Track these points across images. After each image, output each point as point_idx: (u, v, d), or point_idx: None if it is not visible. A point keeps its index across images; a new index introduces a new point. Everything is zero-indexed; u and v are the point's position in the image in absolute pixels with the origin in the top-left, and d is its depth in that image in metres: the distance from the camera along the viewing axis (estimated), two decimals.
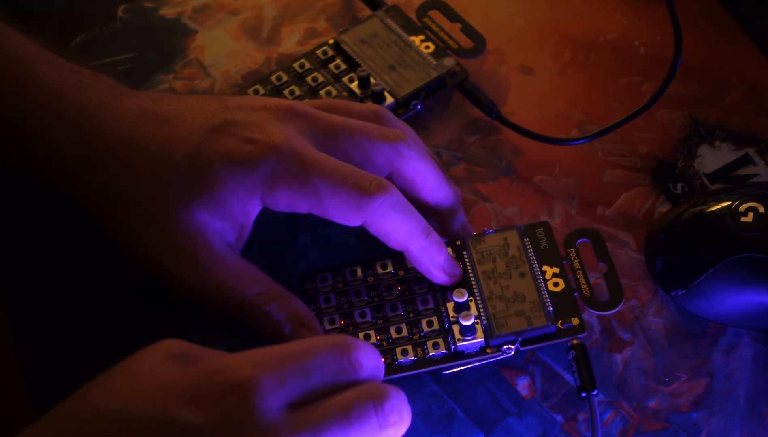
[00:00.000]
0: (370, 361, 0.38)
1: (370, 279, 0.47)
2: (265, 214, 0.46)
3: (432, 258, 0.45)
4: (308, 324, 0.44)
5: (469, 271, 0.46)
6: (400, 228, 0.44)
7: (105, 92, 0.47)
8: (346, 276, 0.47)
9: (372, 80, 0.53)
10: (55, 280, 0.48)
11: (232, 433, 0.34)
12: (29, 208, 0.50)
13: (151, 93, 0.49)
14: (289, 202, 0.44)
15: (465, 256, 0.47)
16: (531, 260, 0.46)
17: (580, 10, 0.60)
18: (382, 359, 0.43)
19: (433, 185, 0.47)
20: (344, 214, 0.44)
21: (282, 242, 0.49)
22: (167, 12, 0.59)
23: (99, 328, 0.46)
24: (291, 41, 0.58)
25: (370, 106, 0.49)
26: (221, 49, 0.58)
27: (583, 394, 0.43)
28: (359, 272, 0.47)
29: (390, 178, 0.47)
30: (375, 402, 0.36)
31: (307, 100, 0.53)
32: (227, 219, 0.44)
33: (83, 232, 0.48)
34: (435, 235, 0.45)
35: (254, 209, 0.45)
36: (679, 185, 0.52)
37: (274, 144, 0.44)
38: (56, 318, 0.47)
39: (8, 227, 0.49)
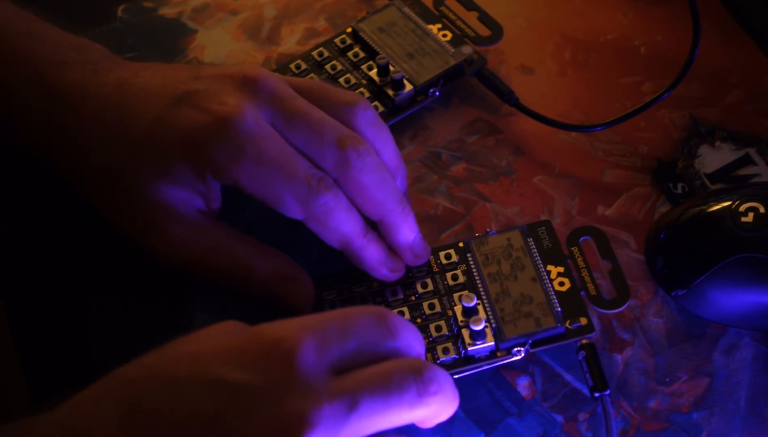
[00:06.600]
0: (406, 330, 0.38)
1: (375, 285, 0.46)
2: (265, 214, 0.46)
3: (373, 257, 0.45)
4: (296, 278, 0.45)
5: (475, 274, 0.46)
6: (339, 228, 0.44)
7: (88, 67, 0.47)
8: (349, 283, 0.46)
9: (391, 68, 0.53)
10: (55, 275, 0.48)
11: (276, 391, 0.34)
12: (28, 201, 0.50)
13: (137, 63, 0.48)
14: (236, 180, 0.43)
15: (469, 258, 0.47)
16: (535, 260, 0.46)
17: (580, 10, 0.60)
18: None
19: (372, 203, 0.45)
20: (287, 204, 0.43)
21: (282, 242, 0.49)
22: (167, 12, 0.59)
23: (99, 326, 0.46)
24: (291, 41, 0.58)
25: (348, 96, 0.46)
26: (221, 49, 0.57)
27: (596, 394, 0.43)
28: (363, 278, 0.46)
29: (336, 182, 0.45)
30: (414, 372, 0.37)
31: (288, 76, 0.52)
32: (190, 189, 0.44)
33: (81, 225, 0.48)
34: (372, 233, 0.45)
35: (213, 182, 0.44)
36: (679, 185, 0.52)
37: (227, 117, 0.43)
38: (56, 315, 0.47)
39: (6, 223, 0.49)
